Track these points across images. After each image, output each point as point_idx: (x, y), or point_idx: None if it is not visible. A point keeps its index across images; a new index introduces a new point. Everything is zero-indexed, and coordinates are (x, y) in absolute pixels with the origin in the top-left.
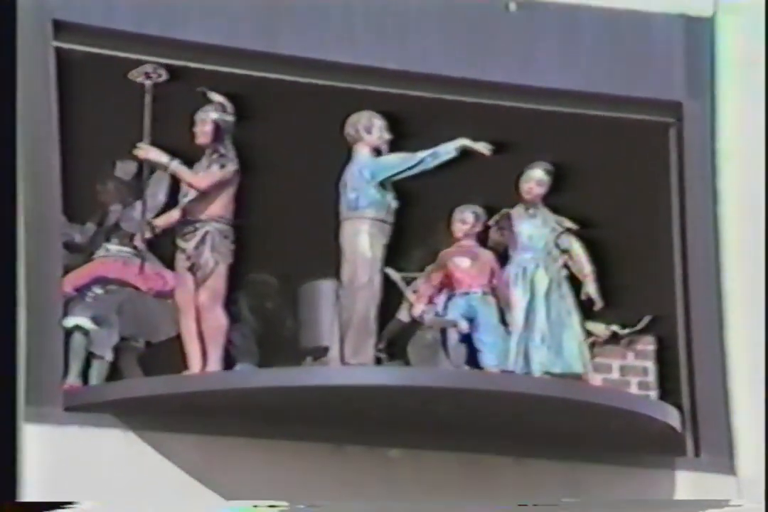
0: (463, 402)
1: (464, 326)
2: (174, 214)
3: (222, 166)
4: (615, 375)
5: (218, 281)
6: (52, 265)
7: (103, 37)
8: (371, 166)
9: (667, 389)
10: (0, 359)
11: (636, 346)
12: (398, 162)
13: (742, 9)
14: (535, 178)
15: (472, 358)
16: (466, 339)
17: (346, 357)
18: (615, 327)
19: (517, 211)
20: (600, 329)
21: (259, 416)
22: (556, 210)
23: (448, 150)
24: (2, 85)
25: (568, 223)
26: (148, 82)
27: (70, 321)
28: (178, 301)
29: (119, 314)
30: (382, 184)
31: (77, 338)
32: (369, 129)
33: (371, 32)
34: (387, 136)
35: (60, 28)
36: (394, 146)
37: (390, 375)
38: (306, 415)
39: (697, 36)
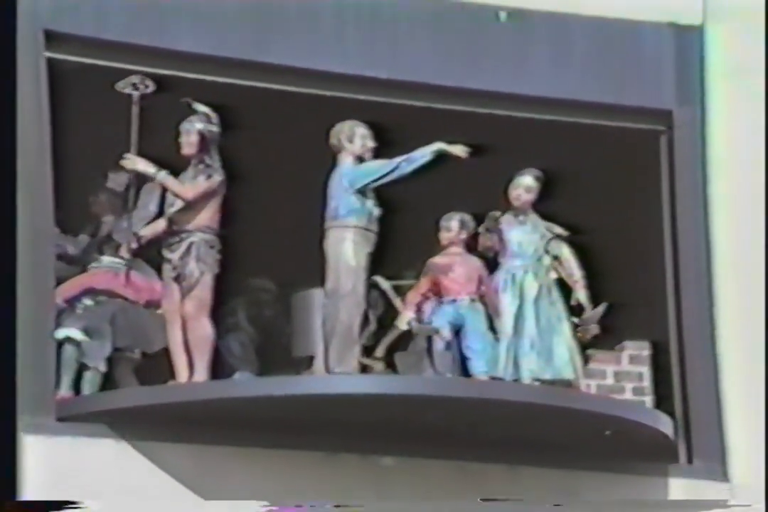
0: (449, 410)
1: (446, 333)
2: (160, 224)
3: (208, 177)
4: (609, 380)
5: (204, 291)
6: (44, 277)
7: (95, 47)
8: (349, 174)
9: (661, 395)
10: None
11: (631, 351)
12: (374, 169)
13: (730, 17)
14: (524, 185)
15: (462, 366)
16: (455, 346)
17: (330, 366)
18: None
19: (506, 218)
20: None
21: (250, 425)
22: (547, 216)
23: (423, 154)
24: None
25: (558, 229)
26: (135, 93)
27: (61, 333)
28: (164, 311)
29: (112, 325)
30: (362, 192)
31: (68, 349)
32: (351, 138)
33: (361, 41)
34: (370, 144)
35: (51, 38)
36: (384, 155)
37: (373, 384)
38: (296, 424)
39: (687, 44)
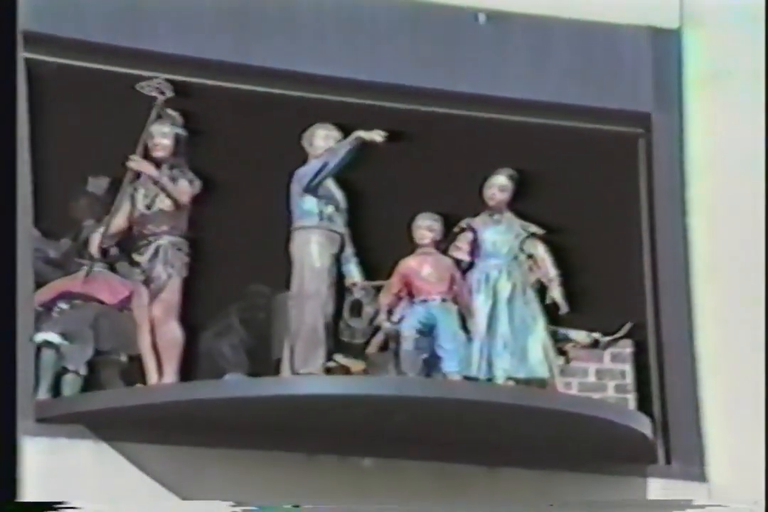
0: (410, 410)
1: (406, 333)
2: (119, 222)
3: (191, 182)
4: (591, 378)
5: (172, 294)
6: (23, 280)
7: (74, 49)
8: (295, 177)
9: (644, 393)
10: None
11: (613, 349)
12: (309, 169)
13: (708, 21)
14: (498, 184)
15: (436, 366)
16: (428, 346)
17: (295, 367)
18: (596, 335)
19: (481, 218)
20: (582, 336)
21: (228, 426)
22: (527, 216)
23: (342, 145)
24: None
25: (534, 228)
26: (161, 97)
27: (39, 337)
28: (134, 315)
29: (95, 328)
30: (313, 193)
31: (46, 354)
32: (311, 141)
33: (341, 43)
34: (332, 144)
35: (30, 39)
36: None
37: (330, 385)
38: (273, 425)
39: (665, 47)
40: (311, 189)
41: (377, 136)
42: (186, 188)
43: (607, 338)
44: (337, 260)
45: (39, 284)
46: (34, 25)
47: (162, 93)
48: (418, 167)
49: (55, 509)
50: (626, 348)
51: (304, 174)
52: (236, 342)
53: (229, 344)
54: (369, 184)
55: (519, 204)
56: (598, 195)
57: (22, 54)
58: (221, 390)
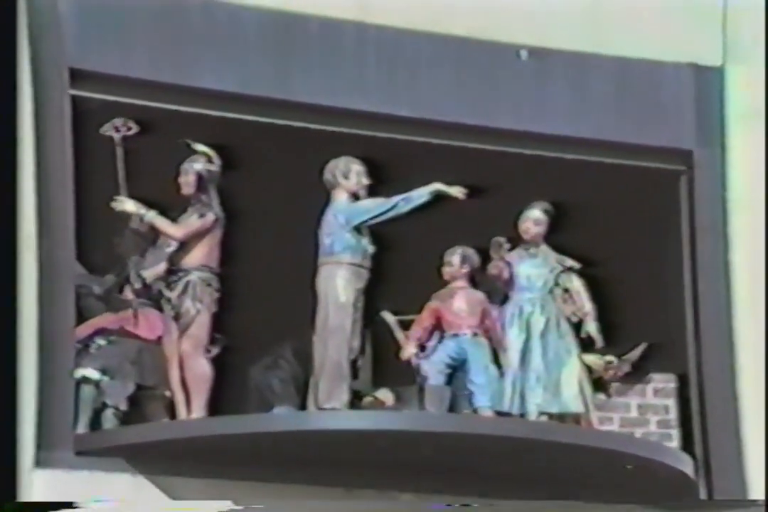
0: (438, 445)
1: (425, 369)
2: (161, 267)
3: (201, 216)
4: (633, 413)
5: (200, 330)
6: (64, 315)
7: (119, 85)
8: (346, 211)
9: (689, 428)
10: (9, 405)
11: (656, 384)
12: (372, 207)
13: (751, 58)
14: (532, 218)
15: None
16: (455, 381)
17: (319, 402)
18: (609, 357)
19: (517, 252)
20: (592, 360)
21: (264, 460)
22: (565, 252)
23: (420, 194)
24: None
25: (570, 262)
26: (117, 136)
27: (78, 373)
28: (165, 349)
29: (138, 364)
30: (358, 229)
31: (85, 389)
32: (346, 174)
33: (383, 79)
34: (365, 181)
35: (76, 76)
36: (391, 192)
37: (357, 419)
38: (308, 459)
39: (707, 85)
40: (360, 225)
41: (459, 192)
42: (188, 224)
43: (620, 359)
44: (363, 295)
45: (86, 319)
46: (79, 62)
47: (118, 131)
48: (454, 201)
49: (55, 509)
50: (670, 382)
51: (358, 209)
52: (285, 377)
53: (278, 378)
54: (406, 217)
55: (558, 238)
56: (639, 230)
57: (68, 90)
58: (252, 424)
